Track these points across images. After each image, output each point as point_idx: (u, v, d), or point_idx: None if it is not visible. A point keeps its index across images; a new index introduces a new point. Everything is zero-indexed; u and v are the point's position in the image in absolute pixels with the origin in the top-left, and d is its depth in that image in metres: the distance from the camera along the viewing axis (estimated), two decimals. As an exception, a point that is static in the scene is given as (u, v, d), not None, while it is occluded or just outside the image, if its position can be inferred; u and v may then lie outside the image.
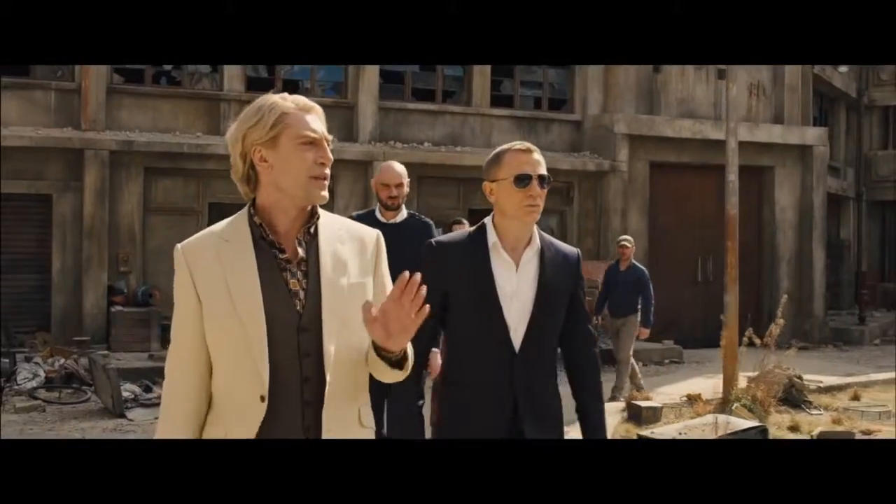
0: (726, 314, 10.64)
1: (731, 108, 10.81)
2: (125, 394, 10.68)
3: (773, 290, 19.45)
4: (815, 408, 10.96)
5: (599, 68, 18.18)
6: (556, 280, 3.34)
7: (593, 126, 18.08)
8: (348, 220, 2.67)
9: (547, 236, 3.44)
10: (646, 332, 11.91)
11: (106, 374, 10.47)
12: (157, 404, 10.57)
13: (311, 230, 2.54)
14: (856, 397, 11.76)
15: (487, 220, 3.40)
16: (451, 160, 16.72)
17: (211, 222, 12.78)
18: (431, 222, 6.12)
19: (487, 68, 17.70)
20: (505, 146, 3.38)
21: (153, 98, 15.81)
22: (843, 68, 20.25)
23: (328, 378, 2.46)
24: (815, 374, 13.56)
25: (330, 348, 2.47)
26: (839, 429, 8.97)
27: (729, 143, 10.79)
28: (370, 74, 16.65)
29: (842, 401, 11.54)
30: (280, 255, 2.49)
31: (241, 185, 2.53)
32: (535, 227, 3.38)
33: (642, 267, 12.19)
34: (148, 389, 11.25)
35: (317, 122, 2.51)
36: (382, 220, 5.94)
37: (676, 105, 18.93)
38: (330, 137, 2.54)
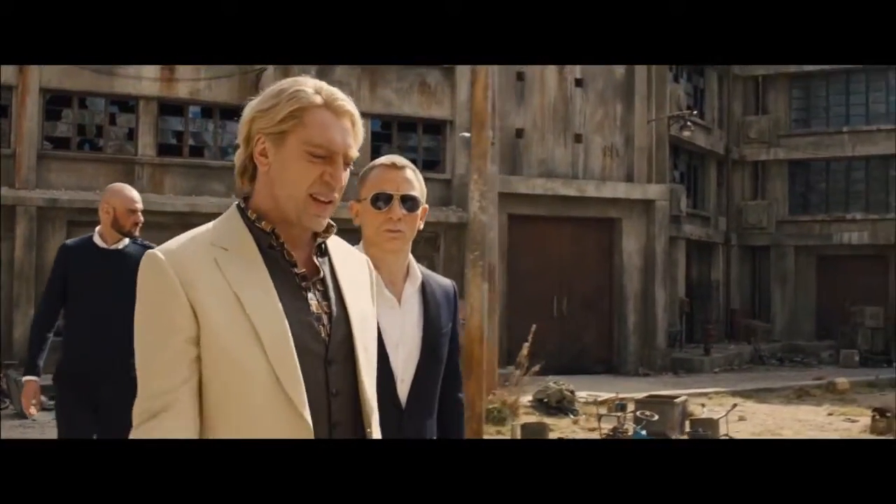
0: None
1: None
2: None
3: (622, 324, 22.57)
4: (575, 413, 14.00)
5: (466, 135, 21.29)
6: (439, 318, 2.93)
7: (459, 184, 21.18)
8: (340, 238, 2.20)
9: (422, 267, 3.03)
10: None
11: (17, 384, 13.39)
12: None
13: (323, 245, 2.09)
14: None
15: (357, 249, 2.77)
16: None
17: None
18: (155, 246, 6.34)
19: (368, 136, 20.79)
20: (375, 161, 2.94)
21: (77, 161, 18.78)
22: (687, 133, 23.38)
23: (370, 423, 2.06)
24: (607, 392, 16.55)
25: (366, 385, 2.06)
26: (553, 422, 12.01)
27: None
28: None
29: (602, 409, 14.53)
30: (296, 270, 2.01)
31: (237, 178, 2.08)
32: (412, 258, 2.96)
33: None
34: (52, 398, 14.12)
35: (343, 132, 2.00)
36: (104, 245, 5.44)
37: (537, 165, 22.07)
38: (355, 156, 2.05)
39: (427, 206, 2.97)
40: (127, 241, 5.48)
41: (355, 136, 2.05)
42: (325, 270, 2.08)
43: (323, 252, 2.10)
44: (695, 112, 25.36)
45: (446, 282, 3.06)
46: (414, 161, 21.96)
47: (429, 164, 21.77)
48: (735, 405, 12.48)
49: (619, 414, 11.74)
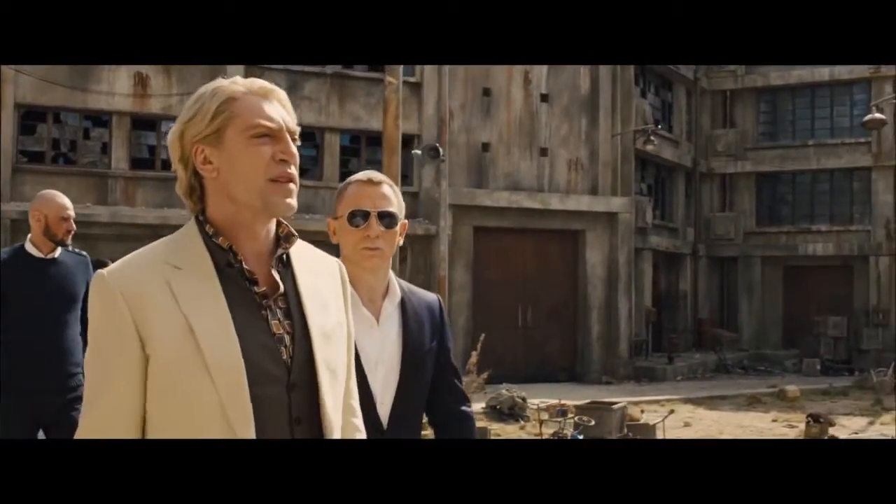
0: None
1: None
2: None
3: (585, 333, 23.14)
4: (526, 418, 14.55)
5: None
6: (421, 336, 2.85)
7: (426, 197, 21.76)
8: (308, 243, 2.07)
9: (405, 283, 2.94)
10: None
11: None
12: None
13: (285, 257, 1.96)
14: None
15: None
16: (301, 226, 20.32)
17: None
18: (87, 255, 5.61)
19: (337, 150, 21.38)
20: (352, 177, 2.89)
21: (52, 175, 19.26)
22: (650, 146, 23.98)
23: None
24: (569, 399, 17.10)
25: (329, 410, 1.93)
26: (500, 427, 12.55)
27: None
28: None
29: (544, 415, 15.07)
30: (255, 289, 1.89)
31: (185, 201, 1.96)
32: (392, 274, 2.88)
33: None
34: None
35: (276, 108, 1.93)
36: (38, 254, 5.32)
37: (503, 178, 22.66)
38: (296, 129, 1.95)
39: (406, 221, 2.87)
40: (60, 249, 5.36)
41: (289, 112, 1.95)
42: (288, 285, 1.94)
43: (285, 264, 1.96)
44: (660, 126, 26.00)
45: (431, 297, 2.96)
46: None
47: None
48: (672, 411, 13.06)
49: (559, 419, 12.29)
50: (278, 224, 1.96)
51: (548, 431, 12.35)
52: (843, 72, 29.41)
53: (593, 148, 23.66)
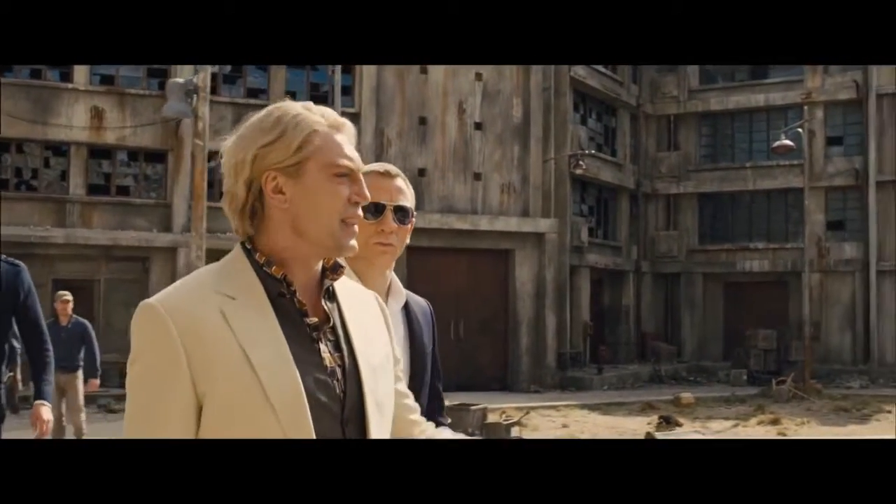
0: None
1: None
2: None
3: (515, 345, 24.89)
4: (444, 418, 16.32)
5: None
6: (423, 339, 2.71)
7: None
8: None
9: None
10: (96, 384, 11.82)
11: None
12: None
13: (331, 289, 1.91)
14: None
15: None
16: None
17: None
18: (22, 265, 5.30)
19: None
20: (365, 167, 2.45)
21: (15, 200, 21.22)
22: (579, 170, 25.75)
23: None
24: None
25: None
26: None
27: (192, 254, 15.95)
28: (184, 179, 22.14)
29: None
30: (307, 320, 1.84)
31: (237, 221, 1.85)
32: (393, 273, 2.73)
33: (84, 321, 11.76)
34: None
35: (351, 146, 1.88)
36: None
37: (439, 202, 24.46)
38: (364, 168, 1.94)
39: (414, 219, 2.75)
40: None
41: (353, 147, 1.92)
42: (335, 317, 1.89)
43: (331, 296, 1.91)
44: (592, 151, 27.78)
45: (423, 301, 2.86)
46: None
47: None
48: (528, 412, 14.77)
49: (424, 419, 14.05)
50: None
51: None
52: (778, 98, 31.15)
53: (525, 172, 25.44)
